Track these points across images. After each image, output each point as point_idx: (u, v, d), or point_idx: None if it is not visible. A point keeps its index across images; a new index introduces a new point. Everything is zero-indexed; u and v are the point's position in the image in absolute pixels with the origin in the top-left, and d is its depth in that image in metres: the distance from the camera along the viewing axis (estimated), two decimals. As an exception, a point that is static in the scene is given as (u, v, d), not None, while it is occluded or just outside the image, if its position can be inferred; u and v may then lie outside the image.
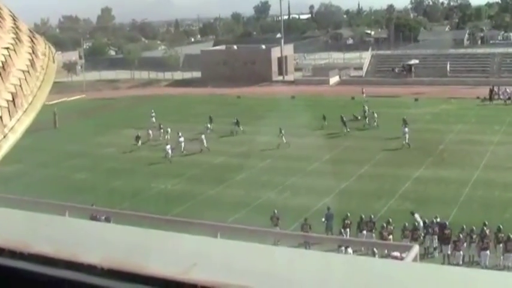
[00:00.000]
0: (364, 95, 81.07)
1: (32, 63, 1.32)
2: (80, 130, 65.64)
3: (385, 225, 34.19)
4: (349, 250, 27.46)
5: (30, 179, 46.77)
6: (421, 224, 34.65)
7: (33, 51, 1.34)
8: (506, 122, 62.96)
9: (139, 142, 58.89)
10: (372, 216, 35.44)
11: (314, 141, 57.62)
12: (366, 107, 67.42)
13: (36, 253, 1.61)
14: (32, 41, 1.36)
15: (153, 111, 70.90)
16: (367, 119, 66.05)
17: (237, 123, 62.70)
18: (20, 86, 1.27)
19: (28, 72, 1.30)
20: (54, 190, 41.64)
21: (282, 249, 1.69)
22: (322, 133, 61.10)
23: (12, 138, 1.24)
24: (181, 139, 56.73)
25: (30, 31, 1.38)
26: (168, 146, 55.21)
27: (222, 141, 60.10)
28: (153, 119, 68.68)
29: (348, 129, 61.11)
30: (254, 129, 61.92)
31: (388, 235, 33.44)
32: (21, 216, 1.99)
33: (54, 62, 1.40)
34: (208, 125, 62.94)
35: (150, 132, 60.84)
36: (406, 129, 55.95)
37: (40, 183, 44.90)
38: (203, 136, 57.23)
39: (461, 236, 32.37)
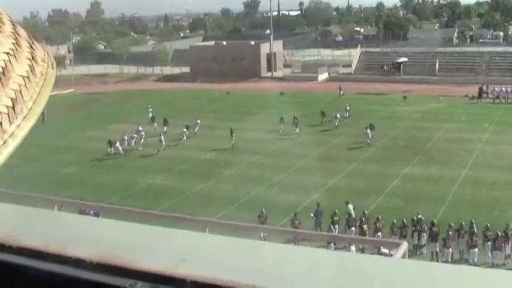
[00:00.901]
0: (342, 91, 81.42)
1: (32, 69, 1.31)
2: (69, 124, 65.54)
3: (364, 219, 34.46)
4: (352, 248, 27.43)
5: (19, 172, 46.54)
6: (353, 214, 35.51)
7: (32, 57, 1.33)
8: (495, 121, 63.10)
9: (112, 148, 55.46)
10: (366, 212, 35.48)
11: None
12: (347, 106, 67.27)
13: (25, 247, 1.61)
14: (31, 46, 1.36)
15: (150, 106, 70.74)
16: (346, 114, 66.39)
17: (187, 127, 60.09)
18: (20, 91, 1.26)
19: (28, 78, 1.29)
20: (42, 184, 41.57)
21: (271, 245, 1.70)
22: (278, 134, 59.99)
23: (13, 144, 1.23)
24: (135, 135, 57.92)
25: (29, 37, 1.38)
26: (117, 144, 55.40)
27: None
28: (150, 114, 68.43)
29: (298, 130, 59.45)
30: (230, 126, 61.57)
31: (377, 232, 33.55)
32: (9, 210, 1.98)
33: (53, 68, 1.39)
34: (165, 129, 61.56)
35: (141, 128, 60.00)
36: (368, 131, 55.63)
37: (28, 177, 44.75)
38: (163, 137, 56.72)
39: (450, 233, 32.46)
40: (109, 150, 55.17)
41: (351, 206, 36.29)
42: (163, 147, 55.72)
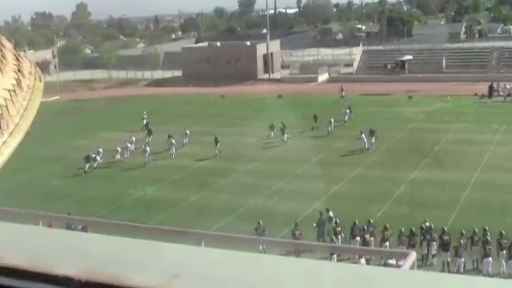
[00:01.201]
0: (344, 93, 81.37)
1: (18, 83, 1.30)
2: (54, 133, 65.30)
3: (366, 227, 34.38)
4: (362, 261, 27.37)
5: (1, 186, 46.45)
6: (334, 220, 35.49)
7: (19, 70, 1.32)
8: (507, 120, 62.98)
9: (89, 164, 54.35)
10: (372, 221, 35.37)
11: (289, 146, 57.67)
12: (347, 109, 67.03)
13: (8, 265, 1.60)
14: (18, 59, 1.34)
15: (145, 113, 70.55)
16: (346, 117, 65.99)
17: (171, 137, 58.17)
18: (6, 106, 1.24)
19: (14, 91, 1.27)
20: (27, 198, 41.43)
21: (270, 258, 1.69)
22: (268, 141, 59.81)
23: None
24: (118, 149, 56.46)
25: (15, 49, 1.36)
26: (98, 158, 54.86)
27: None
28: (144, 121, 68.05)
29: (285, 138, 58.95)
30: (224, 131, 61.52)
31: (385, 241, 33.46)
32: (-9, 226, 1.98)
33: (40, 81, 1.38)
34: (149, 140, 60.40)
35: (134, 138, 59.27)
36: (363, 136, 54.99)
37: (12, 191, 44.63)
38: (148, 148, 55.89)
39: (461, 241, 32.26)
40: (86, 167, 53.93)
41: (331, 214, 36.31)
42: (146, 159, 55.00)
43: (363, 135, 55.04)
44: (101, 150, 55.57)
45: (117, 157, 55.90)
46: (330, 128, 62.15)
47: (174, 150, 56.97)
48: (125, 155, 56.81)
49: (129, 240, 1.80)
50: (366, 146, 54.43)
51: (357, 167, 49.49)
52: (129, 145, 57.79)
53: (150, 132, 62.67)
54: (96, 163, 54.45)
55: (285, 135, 58.91)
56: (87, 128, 69.72)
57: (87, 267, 1.55)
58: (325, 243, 33.07)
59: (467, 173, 46.13)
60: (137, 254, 1.69)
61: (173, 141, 57.54)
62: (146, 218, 36.85)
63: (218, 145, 56.02)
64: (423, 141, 55.49)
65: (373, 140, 54.91)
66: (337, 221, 35.46)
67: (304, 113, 65.42)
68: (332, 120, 62.62)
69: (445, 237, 32.93)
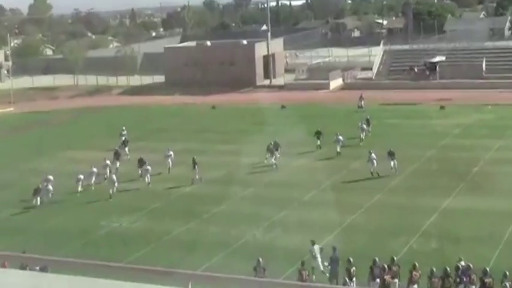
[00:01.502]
0: (363, 102, 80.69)
1: None
2: (6, 153, 65.36)
3: (388, 267, 34.08)
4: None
5: None
6: (319, 257, 35.47)
7: None
8: (561, 136, 63.02)
9: (38, 199, 52.25)
10: (395, 259, 35.09)
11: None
12: (364, 124, 66.66)
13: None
14: None
15: (124, 128, 69.81)
16: (363, 134, 65.49)
17: (141, 163, 57.56)
18: None
19: None
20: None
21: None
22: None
23: None
24: (80, 176, 55.11)
25: None
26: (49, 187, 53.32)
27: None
28: (123, 138, 67.25)
29: (274, 160, 58.02)
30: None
31: (413, 284, 33.28)
32: None
33: None
34: (117, 165, 59.54)
35: (108, 162, 57.85)
36: (373, 155, 54.01)
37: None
38: (114, 176, 54.36)
39: (507, 285, 31.97)
40: (34, 202, 51.95)
41: (316, 248, 36.09)
42: (114, 190, 53.50)
43: (373, 155, 54.09)
44: (50, 177, 53.75)
45: (79, 187, 54.66)
46: (338, 148, 61.17)
47: (149, 179, 55.63)
48: (91, 181, 55.65)
49: (101, 281, 1.78)
50: (371, 170, 53.73)
51: (377, 193, 49.19)
52: (94, 169, 56.19)
53: (117, 156, 61.67)
54: (50, 193, 52.88)
55: (273, 158, 58.23)
56: (46, 147, 69.50)
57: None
58: (339, 285, 33.02)
59: (512, 201, 46.02)
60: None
61: (148, 167, 56.18)
62: (122, 255, 36.83)
63: (196, 168, 55.24)
64: (458, 161, 55.38)
65: (393, 164, 54.01)
66: (351, 259, 35.25)
67: (313, 128, 65.20)
68: (340, 137, 61.50)
69: (487, 280, 32.63)
